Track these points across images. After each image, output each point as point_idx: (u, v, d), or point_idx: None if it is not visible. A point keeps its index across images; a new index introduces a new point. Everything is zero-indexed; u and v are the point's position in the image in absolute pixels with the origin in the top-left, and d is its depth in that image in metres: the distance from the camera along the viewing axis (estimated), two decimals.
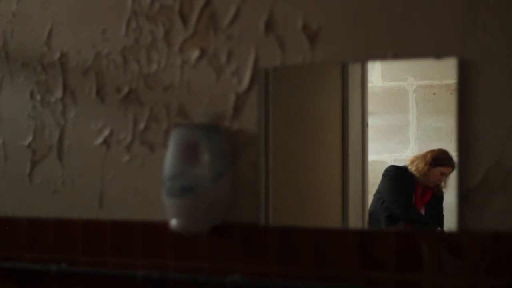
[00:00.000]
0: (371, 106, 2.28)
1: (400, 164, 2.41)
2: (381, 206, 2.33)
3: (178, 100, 1.98)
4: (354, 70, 2.14)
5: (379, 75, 2.44)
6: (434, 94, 2.38)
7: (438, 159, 2.31)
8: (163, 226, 1.90)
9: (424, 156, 2.34)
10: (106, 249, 2.05)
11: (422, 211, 2.35)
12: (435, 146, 2.32)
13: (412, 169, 2.34)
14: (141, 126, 2.02)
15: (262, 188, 1.88)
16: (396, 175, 2.37)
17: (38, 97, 2.15)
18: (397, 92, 2.46)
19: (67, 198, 2.11)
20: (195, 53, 1.96)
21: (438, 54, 1.72)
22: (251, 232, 1.89)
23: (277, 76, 1.89)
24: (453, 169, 2.23)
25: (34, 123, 2.16)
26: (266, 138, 1.89)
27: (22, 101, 2.17)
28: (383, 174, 2.37)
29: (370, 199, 2.30)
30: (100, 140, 2.07)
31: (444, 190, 2.30)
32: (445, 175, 2.29)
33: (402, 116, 2.43)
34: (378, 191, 2.36)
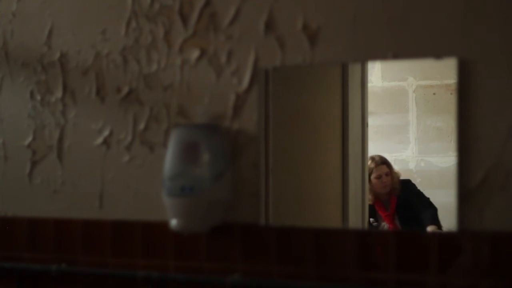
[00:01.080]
0: (371, 106, 2.28)
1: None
2: None
3: (178, 100, 1.98)
4: (354, 70, 2.14)
5: (379, 75, 2.44)
6: (434, 94, 2.38)
7: (368, 170, 2.31)
8: (163, 226, 1.90)
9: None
10: (106, 249, 2.05)
11: (397, 220, 2.33)
12: (435, 146, 2.32)
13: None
14: (141, 126, 2.02)
15: (262, 188, 1.88)
16: None
17: (38, 97, 2.15)
18: (397, 92, 2.46)
19: (67, 198, 2.11)
20: (195, 53, 1.96)
21: (438, 54, 1.72)
22: (251, 232, 1.89)
23: (277, 76, 1.89)
24: (387, 165, 2.25)
25: (34, 123, 2.16)
26: (266, 138, 1.89)
27: (22, 101, 2.17)
28: None
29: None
30: (100, 140, 2.07)
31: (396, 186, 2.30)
32: (383, 175, 2.29)
33: (402, 116, 2.43)
34: None
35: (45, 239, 2.13)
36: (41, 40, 2.14)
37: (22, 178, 2.17)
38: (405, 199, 2.31)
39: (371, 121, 2.27)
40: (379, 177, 2.31)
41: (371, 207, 2.32)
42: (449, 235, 1.74)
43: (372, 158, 2.29)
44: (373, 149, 2.30)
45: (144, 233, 2.01)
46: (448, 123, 2.08)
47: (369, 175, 2.31)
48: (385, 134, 2.44)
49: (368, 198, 2.27)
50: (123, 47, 2.04)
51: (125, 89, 2.04)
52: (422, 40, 1.73)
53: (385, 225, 2.32)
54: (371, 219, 2.31)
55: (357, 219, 2.19)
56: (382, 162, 2.31)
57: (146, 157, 2.02)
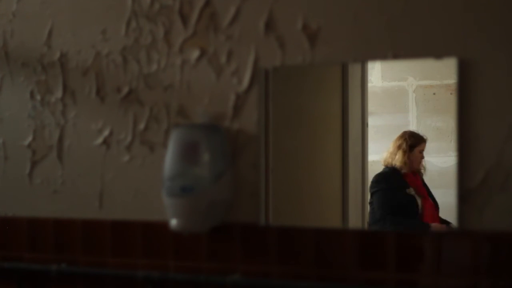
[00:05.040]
0: (371, 106, 2.28)
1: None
2: (380, 224, 2.29)
3: (178, 100, 1.98)
4: (354, 70, 2.14)
5: (379, 75, 2.44)
6: (434, 94, 2.38)
7: (413, 141, 2.32)
8: (163, 226, 1.90)
9: (398, 147, 2.34)
10: (106, 249, 2.05)
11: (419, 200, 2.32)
12: (435, 146, 2.32)
13: (396, 164, 2.33)
14: (141, 126, 2.02)
15: (262, 188, 1.88)
16: (387, 185, 2.34)
17: (38, 97, 2.15)
18: (397, 92, 2.46)
19: (67, 198, 2.11)
20: (195, 53, 1.96)
21: (438, 54, 1.72)
22: (251, 232, 1.89)
23: (277, 76, 1.89)
24: (425, 143, 2.27)
25: (34, 123, 2.16)
26: (266, 138, 1.89)
27: (22, 101, 2.17)
28: (372, 187, 2.29)
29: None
30: (100, 140, 2.07)
31: (423, 170, 2.31)
32: (423, 151, 2.31)
33: (402, 116, 2.43)
34: (371, 204, 2.30)
35: (45, 239, 2.13)
36: (41, 40, 2.14)
37: (22, 178, 2.17)
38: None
39: (371, 121, 2.27)
40: (421, 151, 2.32)
41: (401, 179, 2.32)
42: (448, 235, 1.74)
43: (420, 134, 2.32)
44: (373, 149, 2.30)
45: (144, 233, 2.01)
46: (448, 123, 2.08)
47: (412, 146, 2.32)
48: (385, 134, 2.44)
49: (402, 167, 2.31)
50: (123, 47, 2.04)
51: (125, 89, 2.04)
52: (422, 40, 1.73)
53: (415, 192, 2.32)
54: (407, 190, 2.31)
55: (357, 219, 2.19)
56: (425, 141, 2.33)
57: (146, 157, 2.02)
